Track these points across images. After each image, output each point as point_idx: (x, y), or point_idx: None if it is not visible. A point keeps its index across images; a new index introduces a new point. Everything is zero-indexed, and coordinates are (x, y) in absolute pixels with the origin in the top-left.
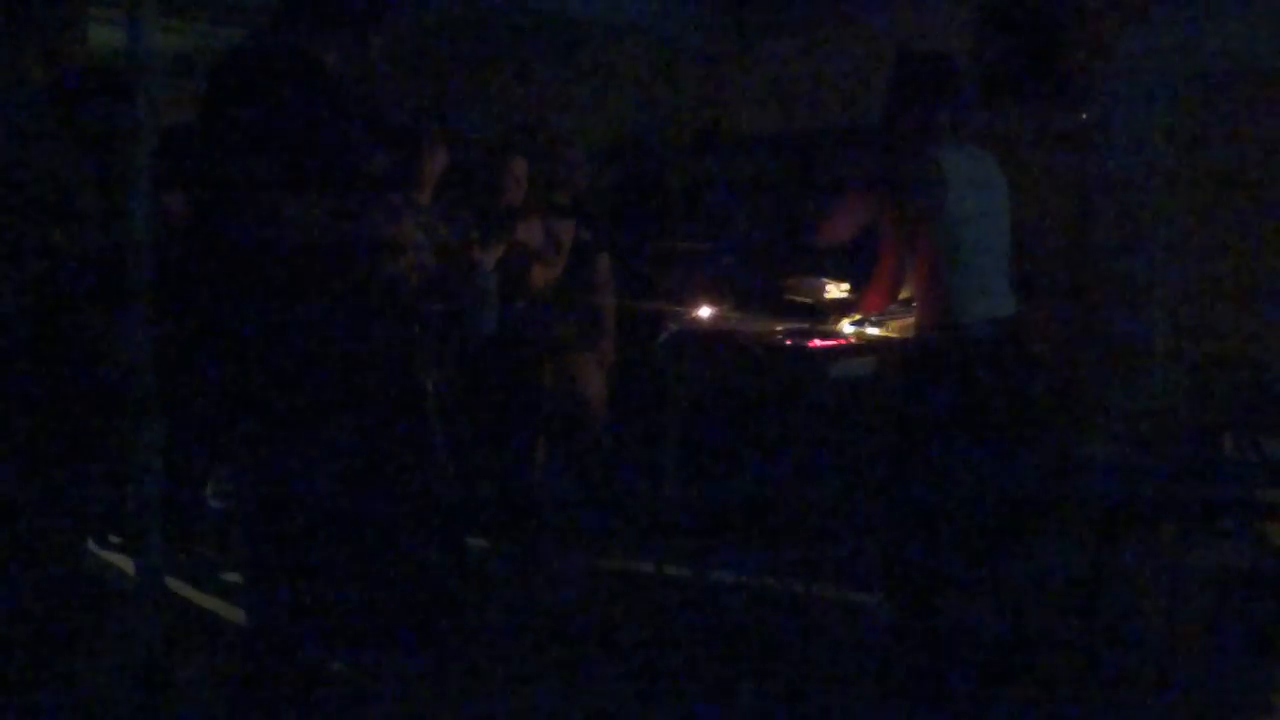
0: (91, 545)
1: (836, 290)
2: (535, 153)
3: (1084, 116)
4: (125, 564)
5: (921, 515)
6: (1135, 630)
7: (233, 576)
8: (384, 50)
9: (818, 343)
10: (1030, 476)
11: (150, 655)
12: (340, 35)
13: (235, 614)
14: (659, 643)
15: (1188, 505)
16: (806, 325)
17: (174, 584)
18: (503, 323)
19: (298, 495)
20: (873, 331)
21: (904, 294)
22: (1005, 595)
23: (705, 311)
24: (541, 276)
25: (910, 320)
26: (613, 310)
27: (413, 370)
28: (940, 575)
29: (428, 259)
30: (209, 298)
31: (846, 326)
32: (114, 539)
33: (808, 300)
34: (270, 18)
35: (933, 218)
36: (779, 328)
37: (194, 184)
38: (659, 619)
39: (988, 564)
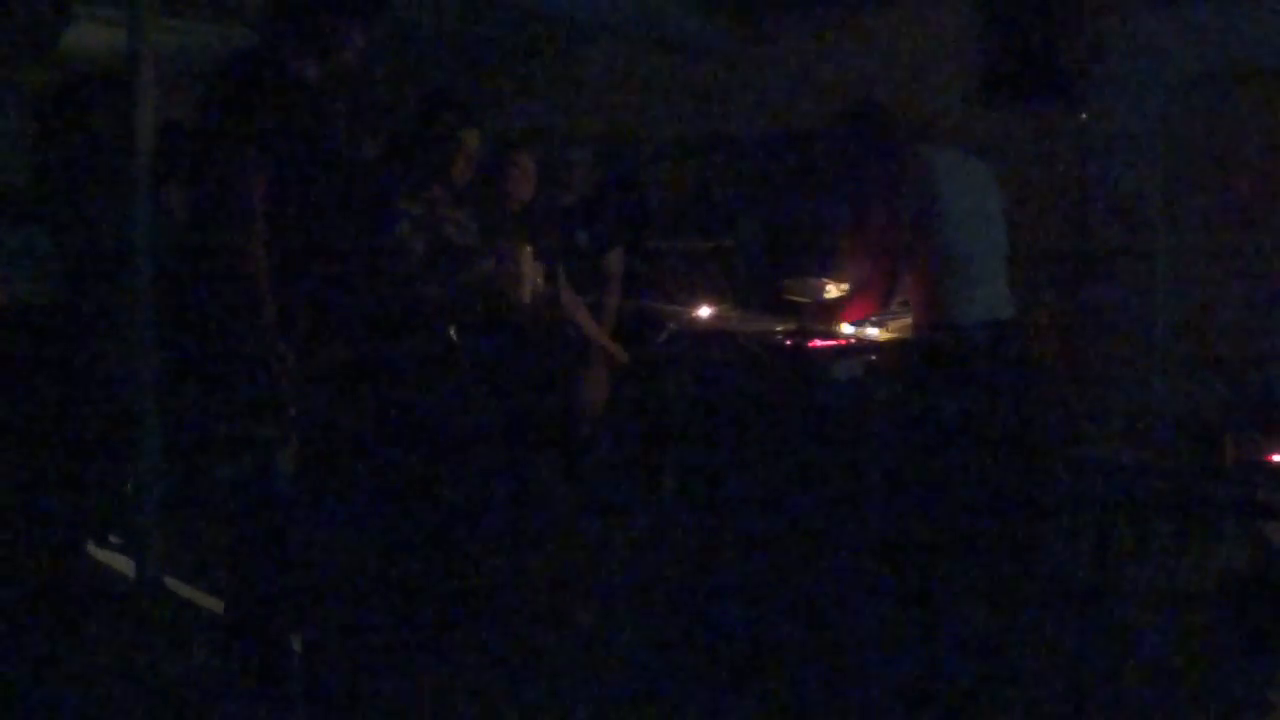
0: (91, 545)
1: (836, 290)
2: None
3: (1084, 116)
4: (125, 564)
5: (921, 516)
6: (1135, 630)
7: None
8: (365, 54)
9: (818, 343)
10: (1029, 477)
11: (150, 655)
12: (318, 45)
13: None
14: (658, 643)
15: (1188, 505)
16: (806, 325)
17: (174, 584)
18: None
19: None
20: (872, 332)
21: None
22: (1005, 595)
23: (705, 311)
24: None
25: (908, 321)
26: (614, 307)
27: (429, 372)
28: (940, 575)
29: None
30: (200, 298)
31: (846, 327)
32: (114, 539)
33: (807, 300)
34: (259, 32)
35: (926, 216)
36: (779, 328)
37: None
38: (658, 619)
39: (988, 564)
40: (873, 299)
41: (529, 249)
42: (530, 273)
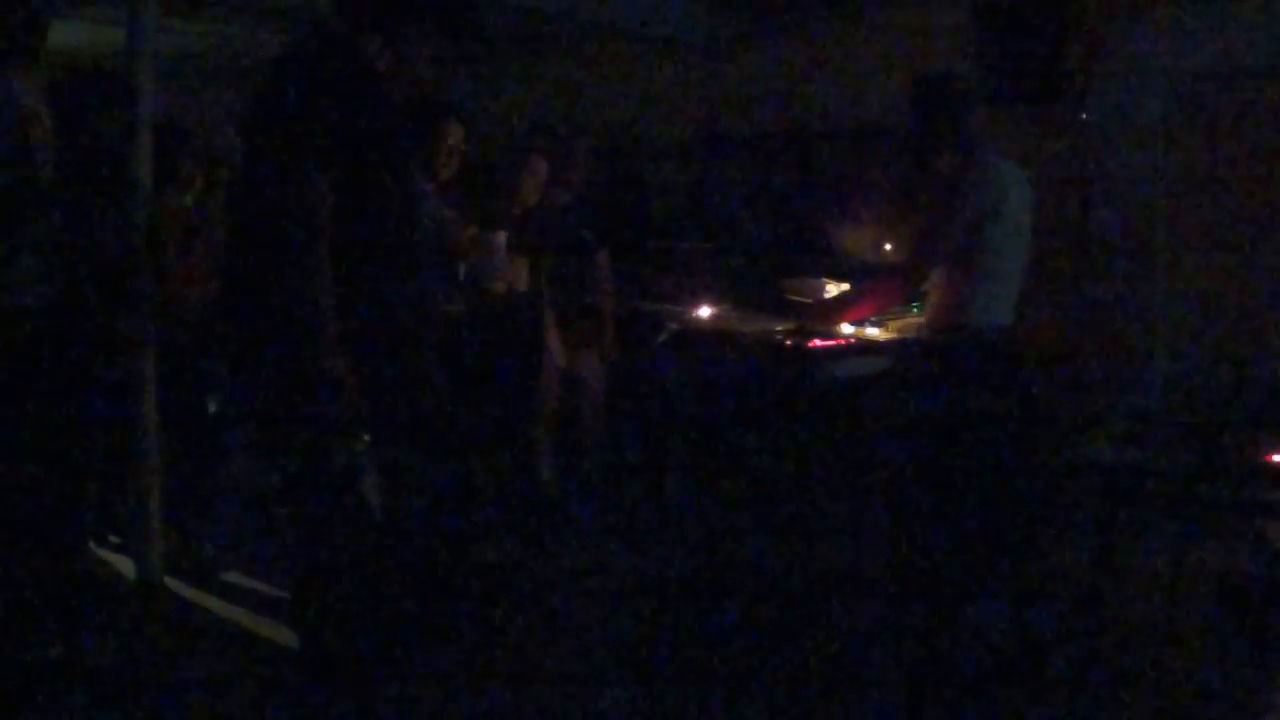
0: (91, 545)
1: (836, 290)
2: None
3: (1084, 116)
4: (125, 564)
5: (924, 514)
6: (1135, 630)
7: (233, 577)
8: (438, 55)
9: (818, 343)
10: (1032, 477)
11: (150, 655)
12: (390, 36)
13: (236, 614)
14: (658, 642)
15: (1188, 505)
16: (807, 325)
17: (174, 584)
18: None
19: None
20: (873, 332)
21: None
22: (1007, 594)
23: (705, 311)
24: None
25: (909, 320)
26: (610, 307)
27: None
28: (943, 574)
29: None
30: (256, 313)
31: (846, 326)
32: (114, 539)
33: (807, 300)
34: (326, 19)
35: (985, 222)
36: (779, 328)
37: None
38: (659, 618)
39: (990, 563)
40: (899, 290)
41: (503, 235)
42: (504, 267)
